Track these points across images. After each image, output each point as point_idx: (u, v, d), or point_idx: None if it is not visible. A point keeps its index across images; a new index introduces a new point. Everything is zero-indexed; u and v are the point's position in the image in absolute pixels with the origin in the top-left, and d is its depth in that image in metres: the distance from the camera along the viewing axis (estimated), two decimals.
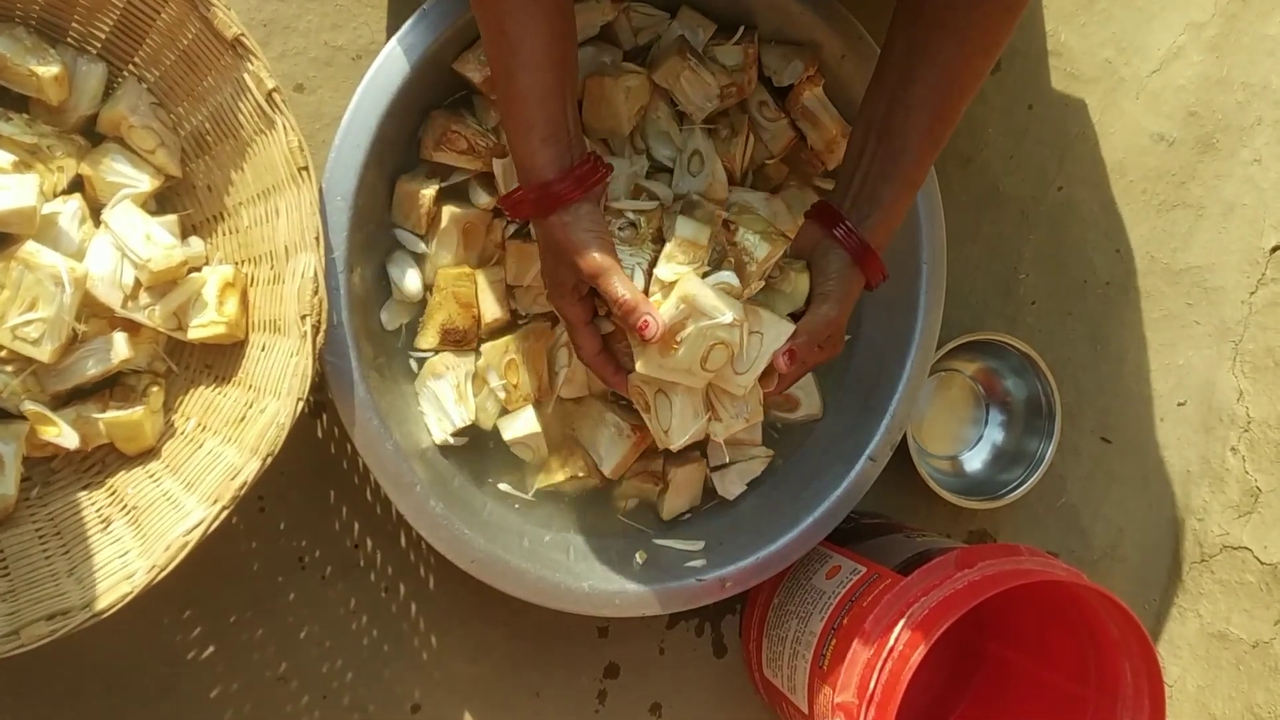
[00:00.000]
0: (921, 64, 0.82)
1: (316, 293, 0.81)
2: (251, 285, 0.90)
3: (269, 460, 0.79)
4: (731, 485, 1.06)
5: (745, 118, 1.02)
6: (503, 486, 0.99)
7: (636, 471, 1.02)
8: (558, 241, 0.80)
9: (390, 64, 0.87)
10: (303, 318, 0.80)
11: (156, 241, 0.84)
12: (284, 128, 0.81)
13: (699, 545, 1.03)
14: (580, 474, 1.00)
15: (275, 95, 0.80)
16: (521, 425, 0.96)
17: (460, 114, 0.94)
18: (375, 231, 0.93)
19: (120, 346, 0.86)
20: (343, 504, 1.02)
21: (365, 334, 0.90)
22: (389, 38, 0.87)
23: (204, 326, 0.86)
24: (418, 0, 0.88)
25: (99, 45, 0.86)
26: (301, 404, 0.80)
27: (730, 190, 0.99)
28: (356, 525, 1.02)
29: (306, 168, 0.81)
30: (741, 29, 0.98)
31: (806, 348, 0.84)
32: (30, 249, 0.81)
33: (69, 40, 0.86)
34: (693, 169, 0.97)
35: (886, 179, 0.85)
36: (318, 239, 0.81)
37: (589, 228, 0.79)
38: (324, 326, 0.81)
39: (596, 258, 0.79)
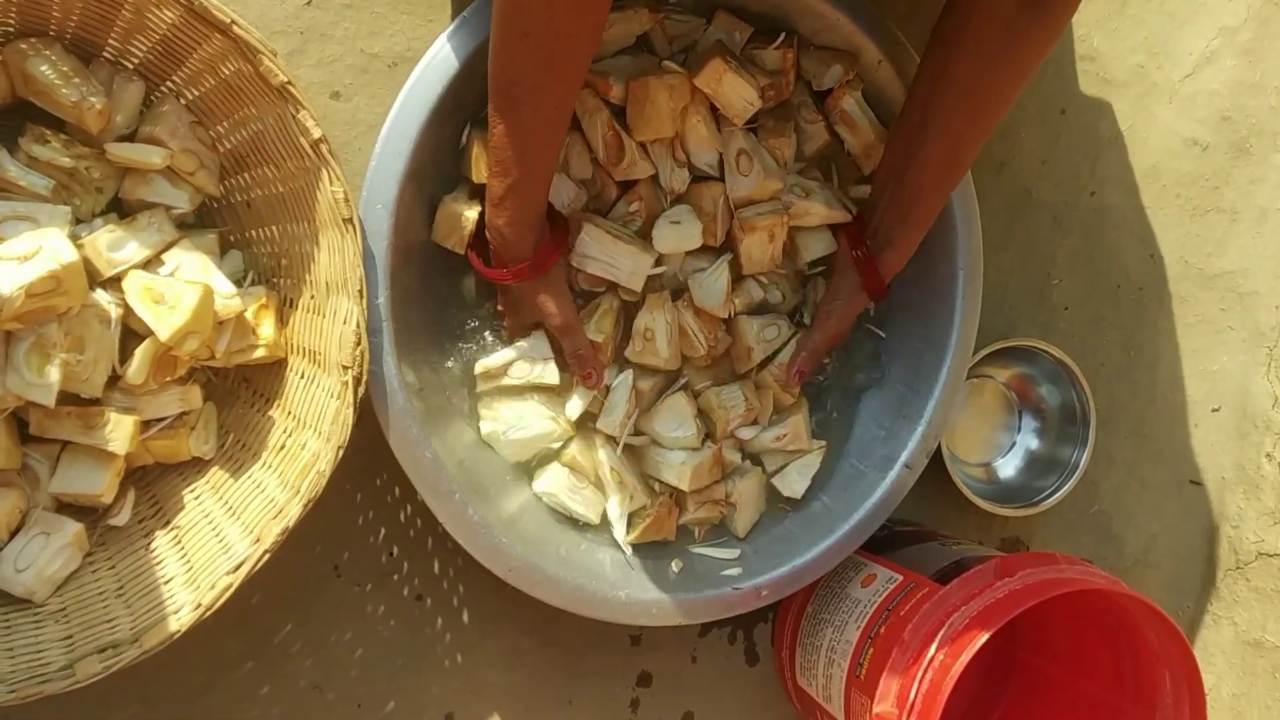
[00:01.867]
0: (934, 122, 0.88)
1: (359, 344, 0.81)
2: (290, 307, 0.90)
3: (310, 505, 0.80)
4: (795, 484, 1.06)
5: (789, 109, 1.02)
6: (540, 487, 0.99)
7: (701, 502, 1.02)
8: (527, 300, 0.92)
9: (432, 70, 0.86)
10: (344, 368, 0.81)
11: (220, 292, 0.83)
12: (329, 178, 0.81)
13: (735, 554, 1.02)
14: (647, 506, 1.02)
15: (321, 145, 0.80)
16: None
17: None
18: (416, 236, 0.92)
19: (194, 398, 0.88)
20: (378, 512, 1.01)
21: (403, 341, 0.90)
22: (425, 45, 0.86)
23: (242, 352, 0.86)
24: (456, 7, 0.88)
25: (136, 62, 0.85)
26: (342, 452, 0.81)
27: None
28: (391, 533, 1.02)
29: (350, 220, 0.81)
30: (782, 35, 0.98)
31: (811, 361, 1.02)
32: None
33: (105, 56, 0.85)
34: (742, 169, 0.97)
35: (901, 220, 0.94)
36: (361, 292, 0.81)
37: (557, 289, 0.91)
38: (365, 377, 0.82)
39: (561, 318, 0.92)
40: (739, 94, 0.94)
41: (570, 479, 0.98)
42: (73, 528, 0.83)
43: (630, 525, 1.00)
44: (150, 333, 0.80)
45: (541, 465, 1.00)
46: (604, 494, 1.00)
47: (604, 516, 1.00)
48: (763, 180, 0.97)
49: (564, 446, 0.99)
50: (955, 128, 0.87)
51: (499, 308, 0.97)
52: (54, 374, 0.78)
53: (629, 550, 1.00)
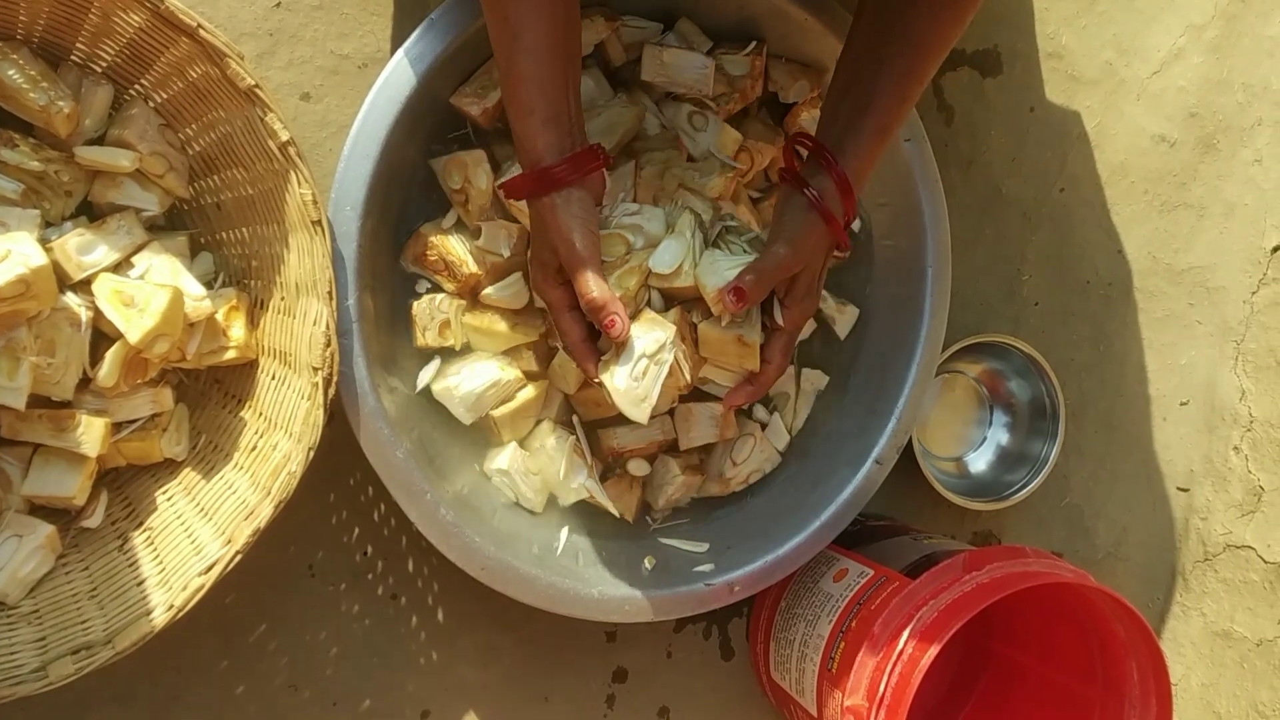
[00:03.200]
0: (891, 27, 0.84)
1: (329, 346, 0.81)
2: (261, 309, 0.90)
3: (281, 506, 0.81)
4: (780, 437, 1.08)
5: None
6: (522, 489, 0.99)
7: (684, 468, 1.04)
8: (545, 223, 0.82)
9: (399, 73, 0.87)
10: (314, 369, 0.81)
11: (189, 294, 0.84)
12: (297, 180, 0.81)
13: (704, 547, 1.03)
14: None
15: (289, 148, 0.80)
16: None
17: (445, 230, 0.94)
18: (386, 240, 0.93)
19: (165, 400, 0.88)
20: (352, 511, 1.02)
21: (374, 340, 0.90)
22: (393, 46, 0.87)
23: (213, 354, 0.86)
24: (423, 9, 0.88)
25: (104, 65, 0.85)
26: (313, 453, 0.81)
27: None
28: (365, 532, 1.02)
29: (320, 221, 0.81)
30: (753, 43, 0.99)
31: (756, 286, 0.84)
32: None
33: (72, 59, 0.85)
34: (696, 125, 0.99)
35: (852, 130, 0.85)
36: (330, 293, 0.82)
37: (577, 214, 0.81)
38: (335, 378, 0.82)
39: (577, 247, 0.81)
40: (685, 65, 0.95)
41: (525, 463, 0.98)
42: (45, 530, 0.83)
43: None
44: (120, 335, 0.80)
45: (493, 444, 0.99)
46: (559, 478, 0.99)
47: (549, 505, 1.00)
48: (720, 136, 1.00)
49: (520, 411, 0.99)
50: (915, 28, 0.83)
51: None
52: (24, 377, 0.79)
53: (629, 515, 1.02)
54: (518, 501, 0.98)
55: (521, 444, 0.99)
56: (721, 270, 0.86)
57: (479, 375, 0.94)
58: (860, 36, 0.87)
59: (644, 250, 0.89)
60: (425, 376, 0.95)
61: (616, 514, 1.01)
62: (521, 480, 0.97)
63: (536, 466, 0.98)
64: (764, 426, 1.08)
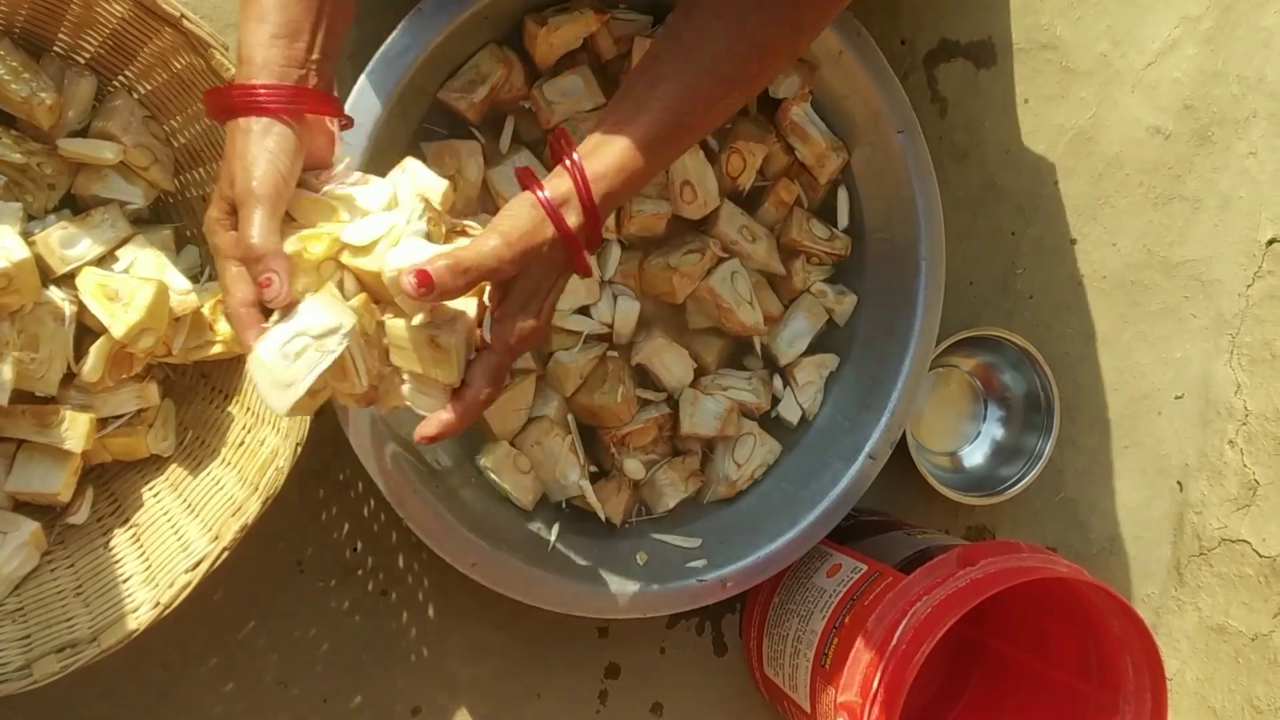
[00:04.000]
0: (687, 32, 0.72)
1: None
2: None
3: (269, 502, 0.80)
4: (793, 412, 1.08)
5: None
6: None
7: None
8: (232, 149, 0.68)
9: (388, 63, 0.86)
10: None
11: (175, 288, 0.83)
12: None
13: (696, 543, 1.03)
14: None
15: None
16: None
17: None
18: None
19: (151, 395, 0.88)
20: (341, 507, 1.01)
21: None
22: (380, 38, 0.86)
23: (199, 348, 0.86)
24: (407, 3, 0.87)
25: (87, 56, 0.85)
26: (301, 449, 0.80)
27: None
28: (355, 528, 1.02)
29: None
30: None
31: (447, 274, 0.66)
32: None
33: (55, 50, 0.84)
34: (685, 197, 0.99)
35: (611, 129, 0.72)
36: None
37: (270, 147, 0.67)
38: None
39: (254, 179, 0.66)
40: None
41: (516, 461, 0.97)
42: (30, 526, 0.83)
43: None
44: (105, 330, 0.79)
45: (487, 440, 0.98)
46: (554, 476, 0.99)
47: (540, 502, 1.00)
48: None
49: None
50: (707, 47, 0.71)
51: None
52: (7, 372, 0.78)
53: (617, 518, 1.01)
54: (508, 497, 0.97)
55: (515, 441, 0.98)
56: (418, 254, 0.68)
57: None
58: (657, 43, 0.77)
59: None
60: None
61: (604, 517, 1.00)
62: (511, 477, 0.96)
63: (528, 465, 0.97)
64: (777, 402, 1.08)
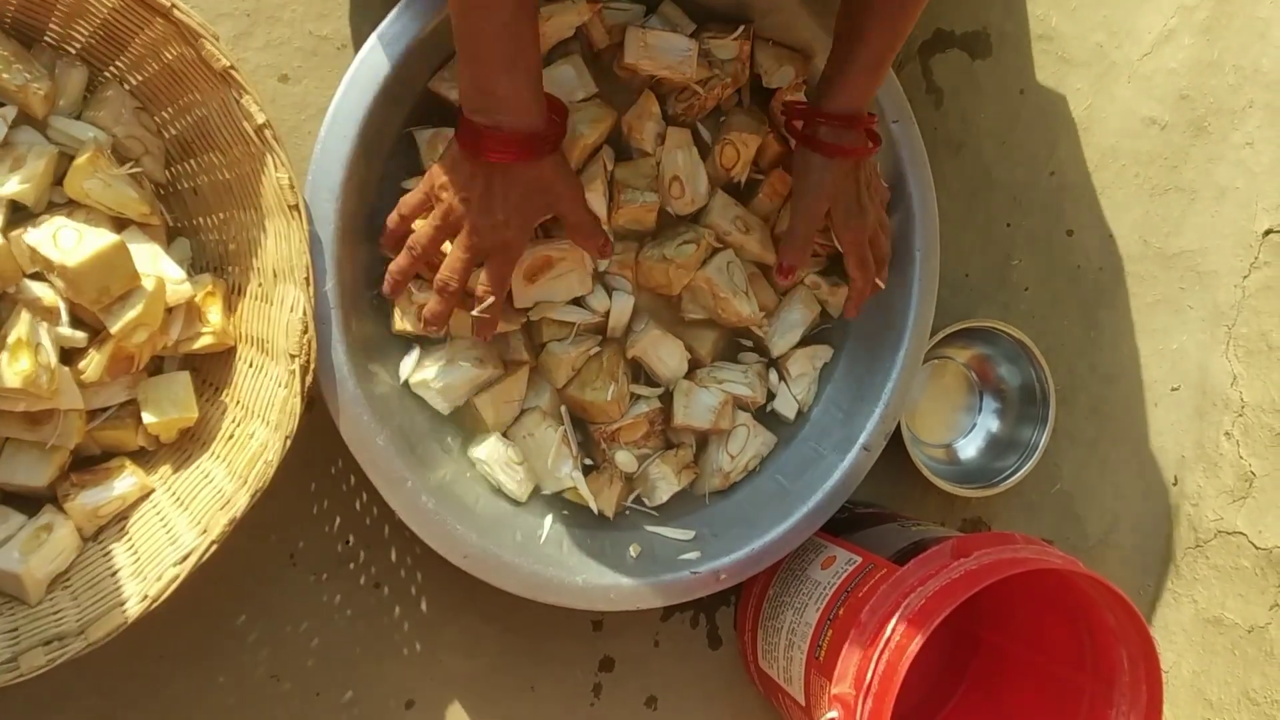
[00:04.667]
0: None
1: (305, 333, 0.80)
2: (239, 295, 0.88)
3: (258, 495, 0.79)
4: (789, 406, 1.08)
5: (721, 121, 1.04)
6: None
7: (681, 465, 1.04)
8: (546, 182, 0.83)
9: (376, 53, 0.85)
10: (292, 357, 0.80)
11: (169, 278, 0.82)
12: (274, 164, 0.79)
13: (690, 535, 1.02)
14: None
15: (265, 131, 0.79)
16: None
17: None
18: (364, 224, 0.91)
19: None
20: (333, 500, 1.01)
21: (353, 325, 0.89)
22: (351, 27, 0.86)
23: (189, 340, 0.85)
24: None
25: (78, 47, 0.84)
26: (291, 441, 0.80)
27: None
28: (347, 522, 1.01)
29: (296, 206, 0.80)
30: (741, 26, 0.98)
31: (792, 251, 0.96)
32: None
33: (46, 40, 0.84)
34: (674, 192, 1.00)
35: (844, 64, 0.90)
36: (307, 279, 0.80)
37: (570, 174, 0.87)
38: (313, 366, 0.81)
39: (584, 204, 0.89)
40: (667, 48, 0.95)
41: (507, 453, 0.96)
42: (17, 520, 0.82)
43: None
44: (100, 325, 0.79)
45: (479, 431, 0.98)
46: (546, 468, 0.99)
47: (532, 494, 0.99)
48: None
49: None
50: None
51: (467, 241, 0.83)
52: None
53: (609, 511, 1.01)
54: (500, 490, 0.97)
55: (508, 432, 0.98)
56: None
57: (455, 372, 0.93)
58: None
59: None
60: (406, 368, 0.94)
61: (596, 510, 1.00)
62: (503, 469, 0.96)
63: (520, 456, 0.97)
64: (772, 397, 1.08)
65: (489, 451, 0.95)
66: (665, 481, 1.02)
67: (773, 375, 1.08)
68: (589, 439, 1.02)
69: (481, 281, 0.85)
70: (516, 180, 0.82)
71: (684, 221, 1.02)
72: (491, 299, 0.85)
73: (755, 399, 1.05)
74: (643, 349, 1.01)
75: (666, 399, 1.03)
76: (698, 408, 1.01)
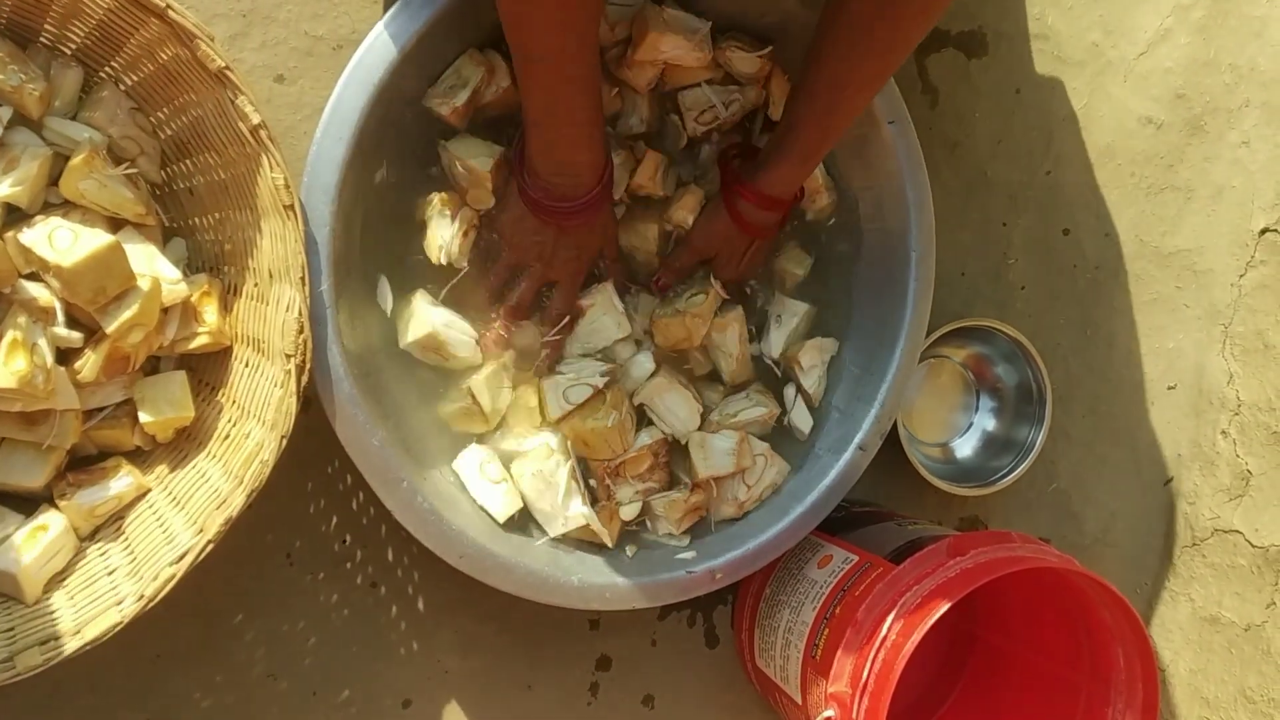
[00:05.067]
0: (818, 64, 0.88)
1: (301, 332, 0.80)
2: (235, 295, 0.89)
3: (254, 495, 0.79)
4: (805, 421, 1.08)
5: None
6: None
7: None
8: (602, 230, 0.96)
9: (373, 54, 0.85)
10: (288, 356, 0.80)
11: (165, 278, 0.82)
12: (269, 164, 0.80)
13: (686, 537, 1.02)
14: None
15: (261, 131, 0.79)
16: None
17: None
18: (359, 222, 0.91)
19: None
20: (329, 500, 1.01)
21: (349, 325, 0.89)
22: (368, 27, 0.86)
23: (185, 340, 0.85)
24: None
25: (73, 47, 0.84)
26: (286, 441, 0.80)
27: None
28: (344, 521, 1.01)
29: (292, 206, 0.80)
30: (769, 47, 1.00)
31: (673, 274, 1.04)
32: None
33: (41, 41, 0.84)
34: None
35: (778, 150, 0.94)
36: (303, 279, 0.80)
37: (613, 216, 0.99)
38: (309, 365, 0.81)
39: (616, 241, 1.00)
40: (687, 22, 0.95)
41: (488, 467, 0.96)
42: (14, 520, 0.82)
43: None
44: (96, 326, 0.79)
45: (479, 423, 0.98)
46: (557, 504, 0.98)
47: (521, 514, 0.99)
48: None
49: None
50: (834, 68, 0.87)
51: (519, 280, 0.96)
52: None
53: (610, 542, 1.00)
54: (483, 508, 0.96)
55: (512, 465, 0.98)
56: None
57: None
58: (804, 65, 0.91)
59: None
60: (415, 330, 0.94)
61: (610, 544, 1.00)
62: (482, 484, 0.96)
63: (499, 475, 0.97)
64: (785, 413, 1.08)
65: (466, 465, 0.96)
66: (665, 523, 1.02)
67: (787, 391, 1.09)
68: (589, 478, 1.02)
69: (556, 306, 0.98)
70: (580, 228, 0.93)
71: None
72: (568, 318, 0.99)
73: (771, 413, 1.06)
74: (648, 395, 1.01)
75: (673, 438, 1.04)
76: (716, 455, 1.01)
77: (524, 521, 0.99)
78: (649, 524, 1.04)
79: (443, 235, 0.93)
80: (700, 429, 1.03)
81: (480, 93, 0.92)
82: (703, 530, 1.05)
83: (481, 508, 0.96)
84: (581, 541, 1.00)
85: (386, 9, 0.87)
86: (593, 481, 1.01)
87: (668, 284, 1.04)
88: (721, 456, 1.01)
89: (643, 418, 1.03)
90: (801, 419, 1.07)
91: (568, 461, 0.98)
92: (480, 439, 0.98)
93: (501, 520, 0.95)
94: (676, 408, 1.02)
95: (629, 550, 0.99)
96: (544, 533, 0.97)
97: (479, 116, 0.95)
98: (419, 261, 0.96)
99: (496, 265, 0.97)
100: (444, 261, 0.93)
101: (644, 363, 1.02)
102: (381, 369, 0.94)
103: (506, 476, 0.97)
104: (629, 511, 1.01)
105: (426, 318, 0.92)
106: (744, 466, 1.02)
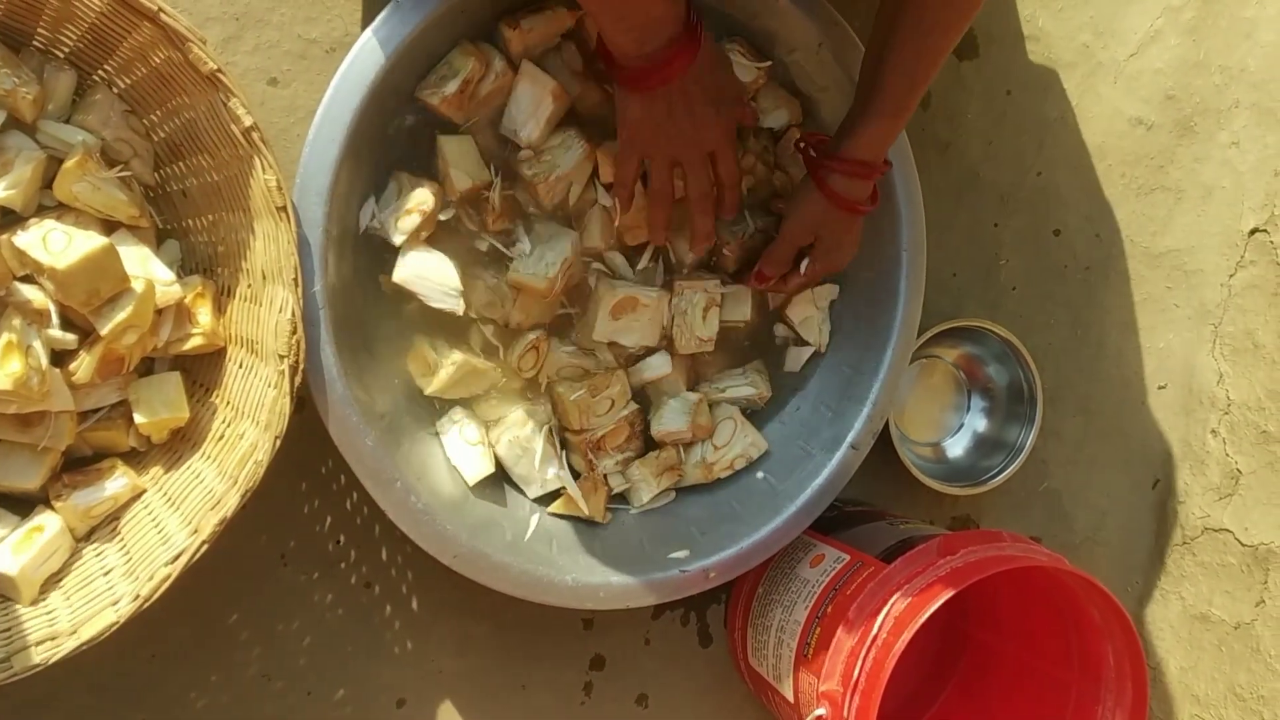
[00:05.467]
0: (903, 13, 0.87)
1: (295, 333, 0.80)
2: (228, 296, 0.89)
3: (248, 495, 0.80)
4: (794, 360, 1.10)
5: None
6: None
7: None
8: (716, 70, 0.89)
9: (365, 57, 0.86)
10: (281, 357, 0.80)
11: (159, 280, 0.83)
12: (261, 166, 0.80)
13: (670, 494, 1.06)
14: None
15: (253, 134, 0.79)
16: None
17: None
18: (352, 224, 0.92)
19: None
20: (324, 500, 1.01)
21: (342, 327, 0.89)
22: (364, 29, 0.86)
23: (179, 341, 0.86)
24: None
25: (66, 51, 0.84)
26: (280, 442, 0.80)
27: None
28: (338, 521, 1.02)
29: (284, 208, 0.80)
30: (769, 62, 1.01)
31: (770, 265, 1.01)
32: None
33: (34, 45, 0.84)
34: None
35: (864, 111, 0.91)
36: (296, 280, 0.81)
37: (718, 49, 0.93)
38: (302, 366, 0.82)
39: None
40: None
41: (465, 429, 0.97)
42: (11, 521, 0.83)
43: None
44: (90, 327, 0.80)
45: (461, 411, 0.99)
46: (533, 470, 1.00)
47: (486, 481, 0.99)
48: None
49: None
50: (924, 12, 0.86)
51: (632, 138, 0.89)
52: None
53: (598, 516, 1.02)
54: (452, 464, 0.97)
55: (490, 431, 0.99)
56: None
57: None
58: (878, 23, 0.90)
59: None
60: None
61: (586, 514, 1.01)
62: (459, 445, 0.97)
63: (477, 436, 0.98)
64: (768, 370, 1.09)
65: (447, 427, 0.97)
66: (646, 484, 1.03)
67: (779, 329, 1.10)
68: (570, 452, 1.03)
69: (722, 171, 0.93)
70: (688, 85, 0.85)
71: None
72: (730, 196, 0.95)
73: (761, 395, 1.07)
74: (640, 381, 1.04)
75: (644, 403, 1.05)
76: (669, 414, 1.03)
77: (522, 503, 1.01)
78: (627, 500, 1.05)
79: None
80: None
81: (475, 84, 0.92)
82: (680, 505, 1.07)
83: (454, 468, 0.97)
84: (574, 524, 1.01)
85: (365, 17, 0.86)
86: (575, 457, 1.02)
87: (770, 277, 1.01)
88: (676, 416, 1.03)
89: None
90: (793, 360, 1.10)
91: (544, 427, 0.99)
92: (462, 404, 0.99)
93: (472, 483, 0.96)
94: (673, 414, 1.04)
95: (623, 549, 1.00)
96: (525, 496, 1.00)
97: (480, 113, 0.95)
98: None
99: (624, 162, 0.93)
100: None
101: (660, 363, 1.03)
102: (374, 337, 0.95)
103: (485, 440, 0.98)
104: (618, 480, 1.03)
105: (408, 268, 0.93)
106: (702, 425, 1.03)
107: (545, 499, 1.01)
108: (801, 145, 0.98)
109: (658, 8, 0.79)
